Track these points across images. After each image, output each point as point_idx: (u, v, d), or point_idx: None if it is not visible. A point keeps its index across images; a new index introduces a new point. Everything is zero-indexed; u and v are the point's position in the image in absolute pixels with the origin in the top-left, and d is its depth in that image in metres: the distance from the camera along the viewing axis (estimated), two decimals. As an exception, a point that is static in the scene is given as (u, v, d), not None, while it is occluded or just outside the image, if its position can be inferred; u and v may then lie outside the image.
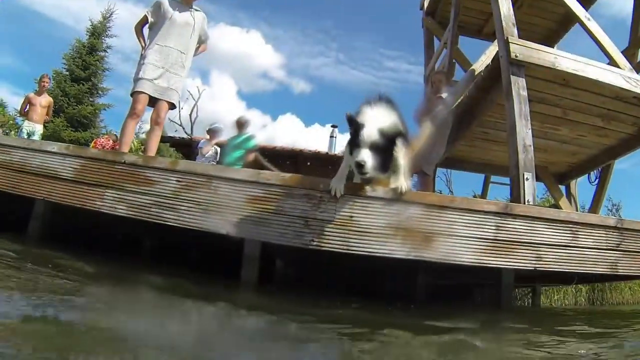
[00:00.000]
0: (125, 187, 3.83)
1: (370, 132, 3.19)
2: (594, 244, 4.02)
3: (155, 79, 4.86)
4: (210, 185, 3.71)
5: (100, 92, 22.86)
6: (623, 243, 4.14)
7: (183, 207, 3.69)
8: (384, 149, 3.23)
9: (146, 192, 3.78)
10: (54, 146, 4.15)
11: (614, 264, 4.10)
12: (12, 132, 19.04)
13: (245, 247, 3.67)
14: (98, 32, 23.48)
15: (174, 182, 3.76)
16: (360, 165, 3.14)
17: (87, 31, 23.44)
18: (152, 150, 4.92)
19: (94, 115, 21.79)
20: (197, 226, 3.64)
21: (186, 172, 3.79)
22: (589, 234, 4.01)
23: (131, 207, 3.77)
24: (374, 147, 3.18)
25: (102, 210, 3.81)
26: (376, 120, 3.25)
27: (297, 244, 3.51)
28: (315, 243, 3.50)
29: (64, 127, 19.30)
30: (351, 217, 3.56)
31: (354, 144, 3.25)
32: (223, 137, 8.55)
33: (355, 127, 3.26)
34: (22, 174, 4.05)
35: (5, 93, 53.84)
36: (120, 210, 3.78)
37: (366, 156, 3.13)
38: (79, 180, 3.94)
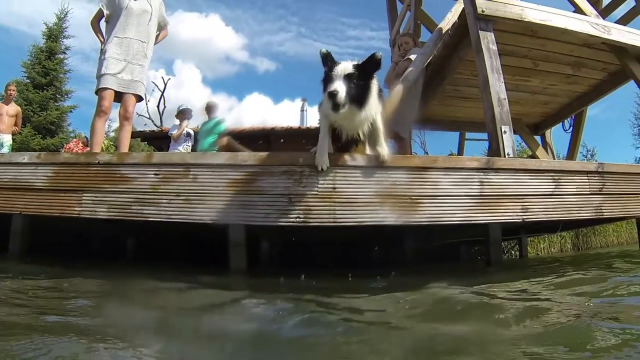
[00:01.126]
0: (103, 188, 3.71)
1: (345, 66, 3.11)
2: (577, 189, 4.11)
3: (118, 73, 4.70)
4: (188, 174, 3.62)
5: (64, 95, 22.26)
6: (605, 186, 4.23)
7: (164, 201, 3.59)
8: (360, 82, 3.14)
9: (125, 190, 3.67)
10: (24, 156, 3.99)
11: (598, 208, 4.19)
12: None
13: (230, 234, 3.61)
14: (55, 34, 22.65)
15: (152, 175, 3.66)
16: (332, 95, 3.01)
17: (44, 35, 22.65)
18: (125, 147, 4.79)
19: (61, 120, 21.23)
20: (180, 218, 3.55)
21: (162, 164, 3.69)
22: (571, 180, 4.09)
23: (111, 208, 3.65)
24: (348, 79, 3.09)
25: (82, 216, 3.68)
26: (351, 61, 3.18)
27: (283, 222, 3.46)
28: (301, 219, 3.45)
29: (32, 135, 18.82)
30: (334, 188, 3.52)
31: (328, 79, 3.15)
32: (193, 123, 8.42)
33: (330, 64, 3.18)
34: (-4, 190, 3.87)
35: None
36: (101, 213, 3.65)
37: (339, 86, 3.02)
38: (55, 188, 3.80)
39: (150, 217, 3.57)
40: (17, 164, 3.95)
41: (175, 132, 8.12)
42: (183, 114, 8.28)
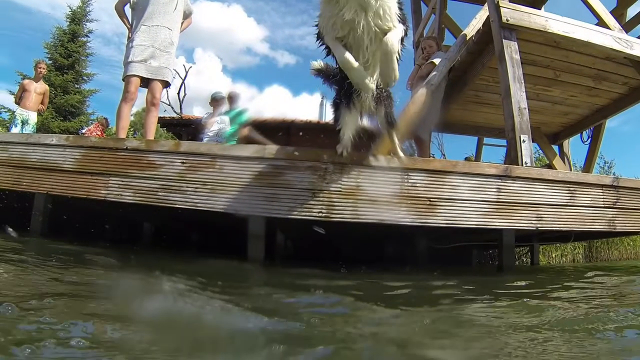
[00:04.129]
0: (130, 173, 3.81)
1: None
2: (592, 202, 4.17)
3: (146, 60, 4.80)
4: (215, 165, 3.72)
5: (85, 78, 22.56)
6: (620, 200, 4.28)
7: (190, 189, 3.70)
8: None
9: (152, 176, 3.77)
10: (53, 138, 4.10)
11: (611, 221, 4.23)
12: (0, 128, 18.81)
13: (250, 225, 3.71)
14: (78, 17, 22.99)
15: (179, 164, 3.76)
16: None
17: (67, 17, 22.95)
18: (152, 133, 4.89)
19: (82, 103, 21.57)
20: (205, 207, 3.65)
21: (190, 153, 3.79)
22: (586, 193, 4.15)
23: (138, 193, 3.76)
24: None
25: (108, 199, 3.79)
26: None
27: (306, 216, 3.56)
28: (324, 214, 3.55)
29: (53, 117, 19.17)
30: (358, 186, 3.62)
31: None
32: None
33: None
34: (23, 170, 4.02)
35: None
36: (127, 197, 3.76)
37: None
38: (82, 170, 3.91)
39: (176, 204, 3.68)
40: (45, 144, 4.06)
41: (208, 121, 7.65)
42: (217, 101, 7.90)
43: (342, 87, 3.37)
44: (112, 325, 1.45)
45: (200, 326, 1.50)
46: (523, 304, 2.29)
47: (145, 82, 4.90)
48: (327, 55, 3.20)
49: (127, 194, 3.78)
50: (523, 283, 3.46)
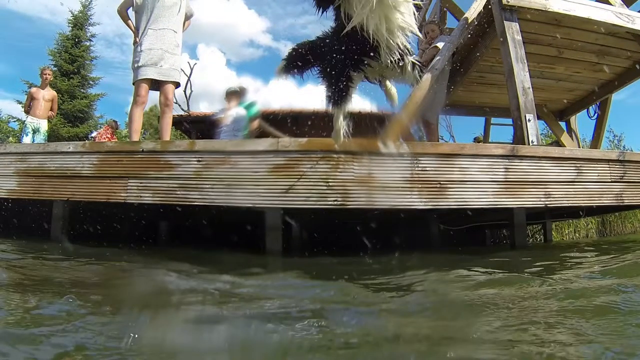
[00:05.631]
0: (148, 174, 3.93)
1: None
2: (599, 177, 4.22)
3: (157, 63, 4.93)
4: (230, 161, 3.82)
5: (91, 82, 22.73)
6: (627, 175, 4.33)
7: (207, 186, 3.80)
8: None
9: (169, 176, 3.88)
10: (70, 146, 4.23)
11: (619, 195, 4.29)
12: (10, 138, 19.08)
13: (267, 217, 3.82)
14: (80, 22, 23.11)
15: (195, 162, 3.87)
16: None
17: (69, 23, 23.06)
18: (167, 134, 5.02)
19: (89, 107, 21.77)
20: (222, 203, 3.76)
21: (205, 151, 3.89)
22: (593, 168, 4.20)
23: (156, 193, 3.87)
24: None
25: (128, 201, 3.90)
26: None
27: (322, 205, 3.65)
28: (339, 202, 3.65)
29: (62, 124, 19.39)
30: (370, 173, 3.70)
31: None
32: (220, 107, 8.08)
33: None
34: (42, 179, 4.15)
35: (-6, 99, 53.52)
36: (146, 198, 3.88)
37: None
38: (101, 175, 4.04)
39: (194, 202, 3.79)
40: (62, 152, 4.18)
41: (223, 117, 7.26)
42: (231, 95, 7.51)
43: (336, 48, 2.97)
44: (153, 309, 1.58)
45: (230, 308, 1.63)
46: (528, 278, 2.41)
47: (155, 85, 5.01)
48: (321, 13, 2.87)
49: (146, 195, 3.90)
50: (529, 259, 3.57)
